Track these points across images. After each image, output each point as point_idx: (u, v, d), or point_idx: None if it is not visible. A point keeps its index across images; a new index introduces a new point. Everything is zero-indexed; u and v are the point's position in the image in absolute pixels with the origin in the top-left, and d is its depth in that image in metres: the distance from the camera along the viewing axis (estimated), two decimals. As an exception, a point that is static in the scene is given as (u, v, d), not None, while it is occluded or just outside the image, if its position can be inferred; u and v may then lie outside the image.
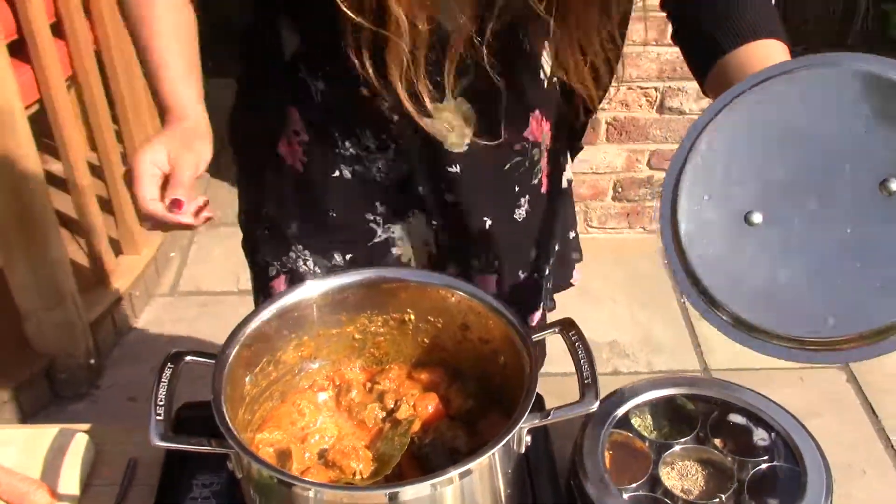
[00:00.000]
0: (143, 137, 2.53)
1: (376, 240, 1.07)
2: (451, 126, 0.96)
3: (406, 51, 0.84)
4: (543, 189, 1.14)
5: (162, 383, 0.73)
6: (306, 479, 0.75)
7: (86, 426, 1.04)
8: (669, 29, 2.51)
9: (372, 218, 1.06)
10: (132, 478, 0.97)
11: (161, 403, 0.72)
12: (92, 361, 2.26)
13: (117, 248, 2.47)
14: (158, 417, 0.71)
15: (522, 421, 0.70)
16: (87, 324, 2.25)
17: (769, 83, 0.72)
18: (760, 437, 0.94)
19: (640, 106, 2.65)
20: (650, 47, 2.54)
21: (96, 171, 2.40)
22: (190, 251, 2.77)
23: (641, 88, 2.61)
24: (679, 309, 2.59)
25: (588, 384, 0.74)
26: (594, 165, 2.75)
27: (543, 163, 1.11)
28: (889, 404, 2.28)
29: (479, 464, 0.68)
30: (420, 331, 0.87)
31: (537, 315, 1.24)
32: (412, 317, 0.87)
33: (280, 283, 1.12)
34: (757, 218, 0.71)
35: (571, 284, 1.35)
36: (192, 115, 0.89)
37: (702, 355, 2.43)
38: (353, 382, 0.88)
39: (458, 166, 0.99)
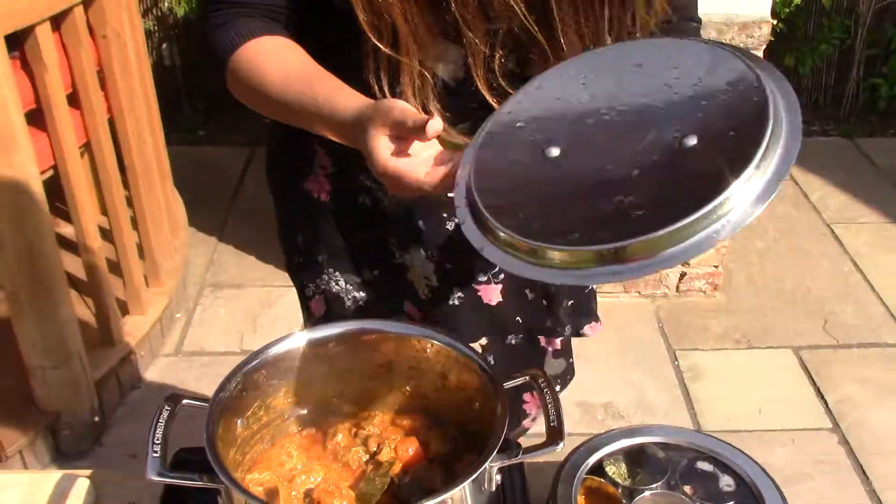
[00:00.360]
0: (152, 203, 2.63)
1: (396, 261, 1.18)
2: None
3: (416, 72, 0.92)
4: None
5: (159, 423, 0.79)
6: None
7: (87, 472, 1.10)
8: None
9: (392, 241, 1.17)
10: (130, 520, 1.03)
11: (158, 442, 0.78)
12: (96, 419, 2.31)
13: (124, 309, 2.54)
14: (155, 454, 0.77)
15: (490, 460, 0.76)
16: (93, 382, 2.30)
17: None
18: (726, 482, 0.99)
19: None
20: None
21: (106, 234, 2.49)
22: (195, 312, 2.84)
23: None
24: (673, 371, 2.64)
25: (554, 427, 0.80)
26: (589, 231, 2.82)
27: None
28: (880, 466, 2.30)
29: (450, 496, 0.73)
30: (402, 378, 0.93)
31: (558, 341, 1.30)
32: (395, 366, 0.93)
33: (317, 303, 1.25)
34: (554, 152, 0.79)
35: (582, 334, 1.39)
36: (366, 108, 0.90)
37: (695, 416, 2.46)
38: (338, 428, 0.94)
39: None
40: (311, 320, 1.28)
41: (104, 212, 2.51)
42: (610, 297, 2.94)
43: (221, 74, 1.02)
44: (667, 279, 2.92)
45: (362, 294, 1.22)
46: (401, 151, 0.84)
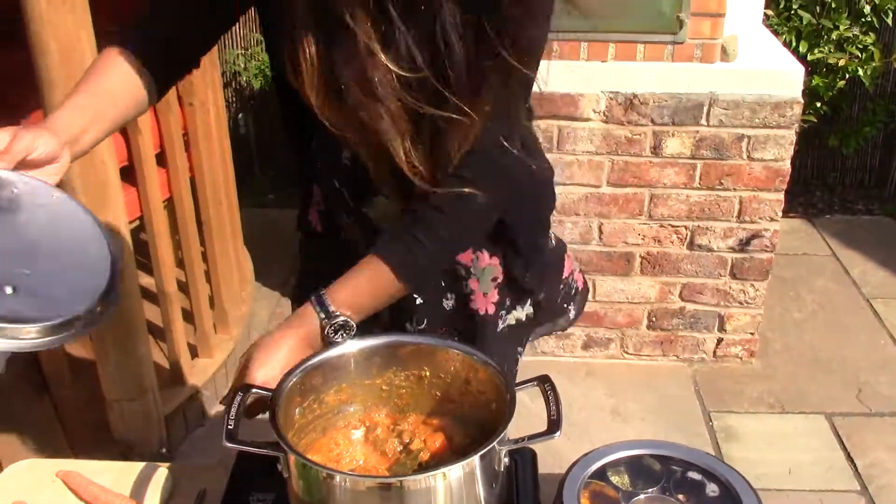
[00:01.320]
0: (224, 257, 2.87)
1: None
2: (383, 216, 1.25)
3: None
4: (479, 309, 1.36)
5: (233, 403, 0.99)
6: (337, 469, 1.00)
7: (166, 463, 1.29)
8: (697, 174, 2.81)
9: None
10: (202, 502, 1.21)
11: (233, 417, 0.97)
12: (163, 451, 2.52)
13: (194, 352, 2.77)
14: (230, 426, 0.96)
15: (498, 441, 0.94)
16: (162, 416, 2.52)
17: None
18: (712, 489, 1.14)
19: (672, 242, 2.90)
20: (680, 190, 2.80)
21: (181, 285, 2.73)
22: (257, 360, 3.05)
23: (672, 226, 2.87)
24: (707, 432, 2.75)
25: (554, 419, 0.97)
26: (629, 296, 2.98)
27: (474, 285, 1.34)
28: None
29: (462, 465, 0.91)
30: (433, 385, 1.11)
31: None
32: (427, 373, 1.11)
33: None
34: None
35: None
36: (47, 127, 1.05)
37: (725, 474, 2.56)
38: (379, 424, 1.12)
39: None
40: None
41: (179, 264, 2.75)
42: (649, 361, 3.07)
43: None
44: (704, 344, 3.05)
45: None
46: None
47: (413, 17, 1.05)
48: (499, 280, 1.36)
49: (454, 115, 1.08)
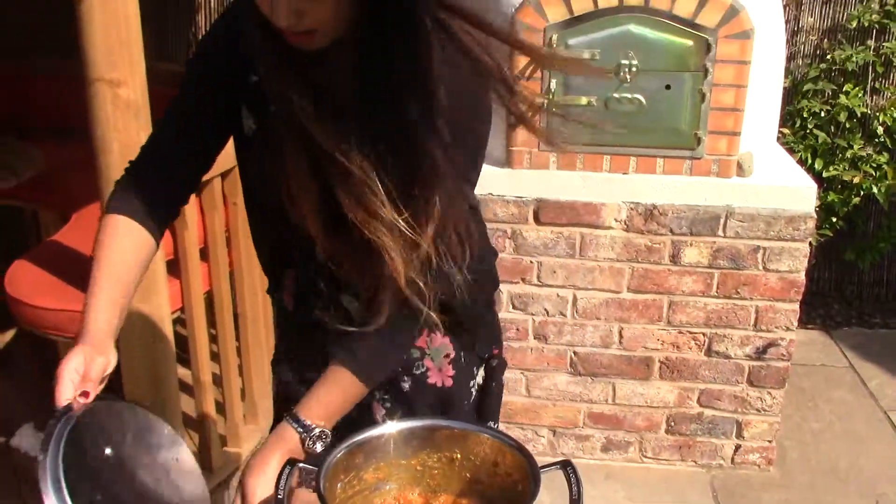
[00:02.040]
0: (257, 350, 2.98)
1: None
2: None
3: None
4: (436, 382, 1.48)
5: (283, 474, 1.09)
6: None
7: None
8: (714, 283, 2.92)
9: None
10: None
11: (282, 487, 1.07)
12: (191, 537, 2.58)
13: (224, 441, 2.85)
14: (280, 496, 1.06)
15: (524, 517, 1.03)
16: (192, 503, 2.58)
17: None
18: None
19: (690, 348, 2.98)
20: (698, 297, 2.91)
21: (215, 378, 2.83)
22: (283, 452, 3.12)
23: (690, 333, 2.96)
24: (724, 537, 2.78)
25: (575, 500, 1.06)
26: (648, 400, 3.05)
27: (428, 363, 1.46)
28: None
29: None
30: (464, 467, 1.20)
31: None
32: (458, 455, 1.20)
33: (274, 385, 1.58)
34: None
35: None
36: (100, 340, 1.20)
37: (742, 580, 2.59)
38: (412, 502, 1.20)
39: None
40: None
41: (213, 358, 2.86)
42: (667, 465, 3.12)
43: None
44: (722, 450, 3.10)
45: (303, 388, 1.46)
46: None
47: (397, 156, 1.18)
48: (451, 356, 1.48)
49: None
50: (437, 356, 1.47)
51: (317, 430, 1.24)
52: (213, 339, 2.83)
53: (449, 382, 1.48)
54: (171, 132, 1.37)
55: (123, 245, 1.29)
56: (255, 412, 3.00)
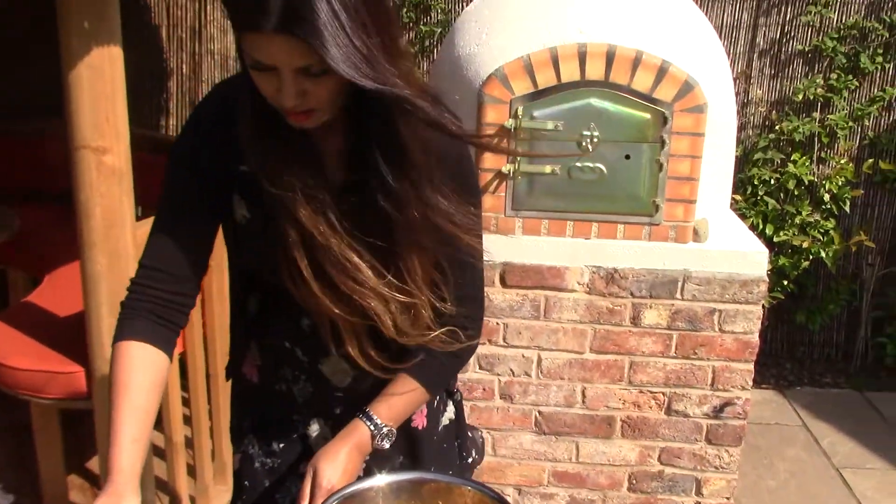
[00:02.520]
0: (228, 410, 3.02)
1: (298, 433, 1.56)
2: (335, 371, 1.48)
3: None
4: (418, 426, 1.56)
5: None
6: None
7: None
8: (673, 344, 3.03)
9: (297, 419, 1.56)
10: None
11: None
12: None
13: (194, 501, 2.87)
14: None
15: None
16: (162, 563, 2.60)
17: None
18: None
19: (651, 407, 3.08)
20: (658, 358, 3.01)
21: (187, 441, 2.86)
22: (251, 512, 3.14)
23: (651, 392, 3.06)
24: None
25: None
26: (611, 458, 3.14)
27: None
28: None
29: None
30: (448, 519, 1.28)
31: None
32: (443, 508, 1.28)
33: (236, 460, 1.60)
34: None
35: None
36: (123, 484, 1.22)
37: None
38: (399, 551, 1.28)
39: (342, 393, 1.50)
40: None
41: (186, 421, 2.90)
42: (629, 522, 3.19)
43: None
44: (682, 507, 3.18)
45: (269, 460, 1.57)
46: None
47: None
48: None
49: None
50: None
51: (385, 429, 1.40)
52: (185, 401, 2.87)
53: (424, 423, 1.58)
54: (167, 238, 1.38)
55: (139, 377, 1.30)
56: (223, 472, 3.03)
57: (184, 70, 4.29)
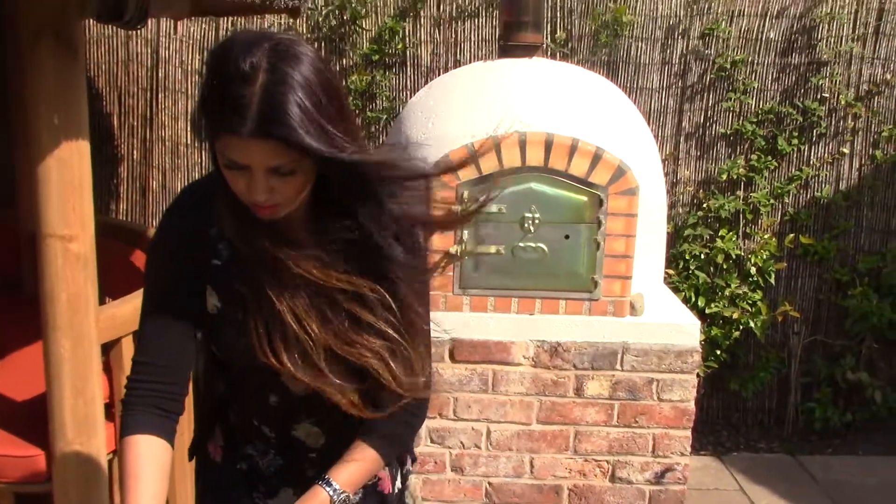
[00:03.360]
0: (183, 485, 3.06)
1: None
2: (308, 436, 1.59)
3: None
4: (385, 490, 1.66)
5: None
6: None
7: None
8: (615, 413, 3.19)
9: (262, 491, 1.64)
10: None
11: None
12: None
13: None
14: None
15: None
16: None
17: None
18: None
19: (595, 475, 3.21)
20: (601, 427, 3.15)
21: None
22: None
23: (595, 461, 3.19)
24: None
25: None
26: (559, 526, 3.24)
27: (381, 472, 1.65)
28: None
29: None
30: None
31: None
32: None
33: None
34: None
35: None
36: None
37: None
38: None
39: (315, 454, 1.60)
40: None
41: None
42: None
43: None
44: (629, 573, 3.29)
45: None
46: None
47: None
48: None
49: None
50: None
51: (343, 495, 1.45)
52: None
53: (389, 488, 1.67)
54: (155, 333, 1.47)
55: (149, 469, 1.40)
56: (180, 553, 3.05)
57: (135, 156, 4.39)
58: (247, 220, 1.39)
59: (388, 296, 1.42)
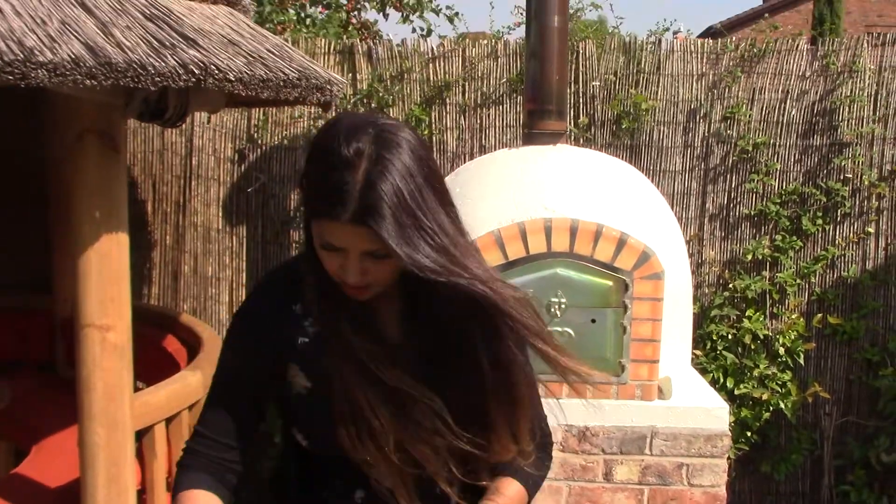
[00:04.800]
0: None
1: None
2: None
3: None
4: None
5: None
6: None
7: None
8: (645, 499, 3.12)
9: None
10: None
11: None
12: None
13: None
14: None
15: None
16: None
17: None
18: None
19: (627, 562, 3.16)
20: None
21: None
22: None
23: (626, 547, 3.15)
24: None
25: None
26: None
27: None
28: None
29: None
30: None
31: None
32: None
33: None
34: None
35: None
36: None
37: None
38: None
39: None
40: None
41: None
42: None
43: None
44: None
45: None
46: None
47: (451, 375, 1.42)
48: None
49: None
50: None
51: None
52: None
53: None
54: (217, 411, 1.48)
55: None
56: None
57: (167, 241, 4.49)
58: (333, 300, 1.41)
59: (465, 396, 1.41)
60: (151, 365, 3.30)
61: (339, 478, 1.49)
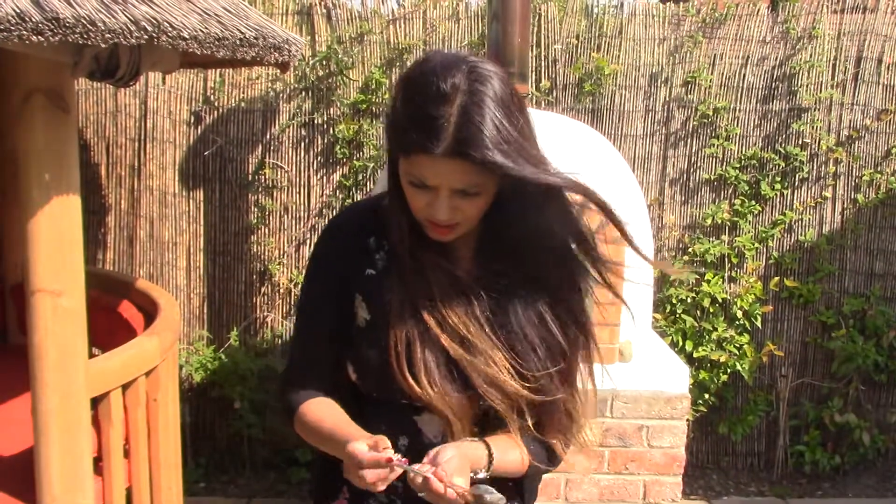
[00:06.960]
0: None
1: None
2: None
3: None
4: None
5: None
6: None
7: None
8: (606, 461, 3.19)
9: None
10: None
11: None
12: None
13: None
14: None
15: None
16: None
17: None
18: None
19: (587, 523, 3.20)
20: (592, 474, 3.15)
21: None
22: None
23: (586, 508, 3.18)
24: None
25: None
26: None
27: None
28: None
29: None
30: None
31: None
32: None
33: None
34: None
35: None
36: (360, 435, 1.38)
37: None
38: None
39: None
40: None
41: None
42: None
43: (286, 422, 1.59)
44: None
45: None
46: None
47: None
48: None
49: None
50: None
51: (482, 474, 1.39)
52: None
53: None
54: (307, 336, 1.57)
55: (327, 407, 1.51)
56: None
57: (122, 206, 4.40)
58: (417, 237, 1.43)
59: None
60: (107, 331, 3.24)
61: (385, 423, 1.48)
